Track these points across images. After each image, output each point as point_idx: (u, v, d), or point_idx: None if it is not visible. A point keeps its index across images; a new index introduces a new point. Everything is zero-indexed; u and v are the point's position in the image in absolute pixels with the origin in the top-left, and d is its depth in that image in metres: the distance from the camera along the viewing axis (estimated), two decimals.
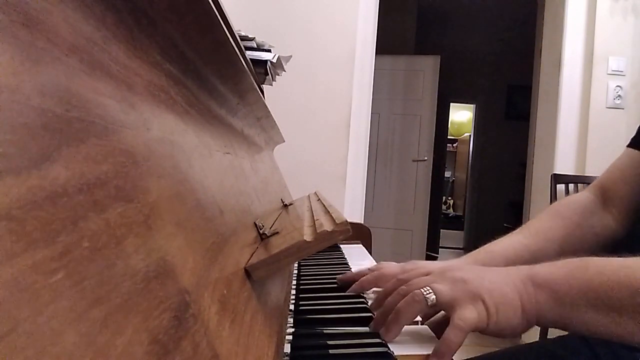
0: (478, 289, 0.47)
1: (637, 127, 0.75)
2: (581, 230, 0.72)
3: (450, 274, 0.50)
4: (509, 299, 0.47)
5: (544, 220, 0.73)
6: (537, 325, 0.48)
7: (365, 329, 0.51)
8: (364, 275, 0.66)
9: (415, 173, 3.99)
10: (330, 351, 0.45)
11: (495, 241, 0.71)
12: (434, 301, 0.47)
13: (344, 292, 0.65)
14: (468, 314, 0.46)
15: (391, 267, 0.67)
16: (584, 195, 0.76)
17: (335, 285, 0.68)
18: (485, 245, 0.70)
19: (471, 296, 0.47)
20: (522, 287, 0.48)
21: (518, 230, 0.73)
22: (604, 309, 0.45)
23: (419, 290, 0.48)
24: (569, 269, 0.49)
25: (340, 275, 0.69)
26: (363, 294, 0.65)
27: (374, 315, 0.55)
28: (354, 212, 2.25)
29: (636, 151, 0.73)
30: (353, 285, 0.66)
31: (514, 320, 0.47)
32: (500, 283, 0.48)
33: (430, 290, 0.48)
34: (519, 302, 0.48)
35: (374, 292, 0.67)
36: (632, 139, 0.75)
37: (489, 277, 0.49)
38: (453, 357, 0.47)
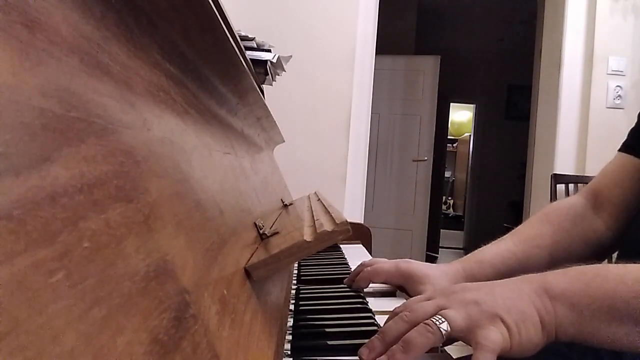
0: (494, 308, 0.42)
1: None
2: (570, 237, 0.71)
3: (458, 297, 0.44)
4: (528, 315, 0.43)
5: (532, 226, 0.72)
6: (556, 340, 0.44)
7: (366, 328, 0.51)
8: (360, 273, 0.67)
9: (415, 173, 4.00)
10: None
11: (483, 248, 0.70)
12: (448, 330, 0.41)
13: (344, 292, 0.65)
14: (492, 335, 0.40)
15: (384, 263, 0.67)
16: (575, 199, 0.76)
17: (335, 286, 0.68)
18: (474, 253, 0.69)
19: (489, 317, 0.42)
20: (538, 300, 0.44)
21: (507, 235, 0.72)
22: (630, 321, 0.42)
23: (430, 320, 0.42)
24: (586, 279, 0.45)
25: (346, 280, 0.69)
26: (362, 293, 0.65)
27: (373, 315, 0.55)
28: (354, 212, 2.25)
29: (627, 155, 0.72)
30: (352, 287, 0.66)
31: (535, 338, 0.42)
32: (515, 299, 0.44)
33: (443, 319, 0.41)
34: (538, 317, 0.43)
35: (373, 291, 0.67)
36: (623, 143, 0.74)
37: (500, 293, 0.44)
38: (451, 354, 0.47)
